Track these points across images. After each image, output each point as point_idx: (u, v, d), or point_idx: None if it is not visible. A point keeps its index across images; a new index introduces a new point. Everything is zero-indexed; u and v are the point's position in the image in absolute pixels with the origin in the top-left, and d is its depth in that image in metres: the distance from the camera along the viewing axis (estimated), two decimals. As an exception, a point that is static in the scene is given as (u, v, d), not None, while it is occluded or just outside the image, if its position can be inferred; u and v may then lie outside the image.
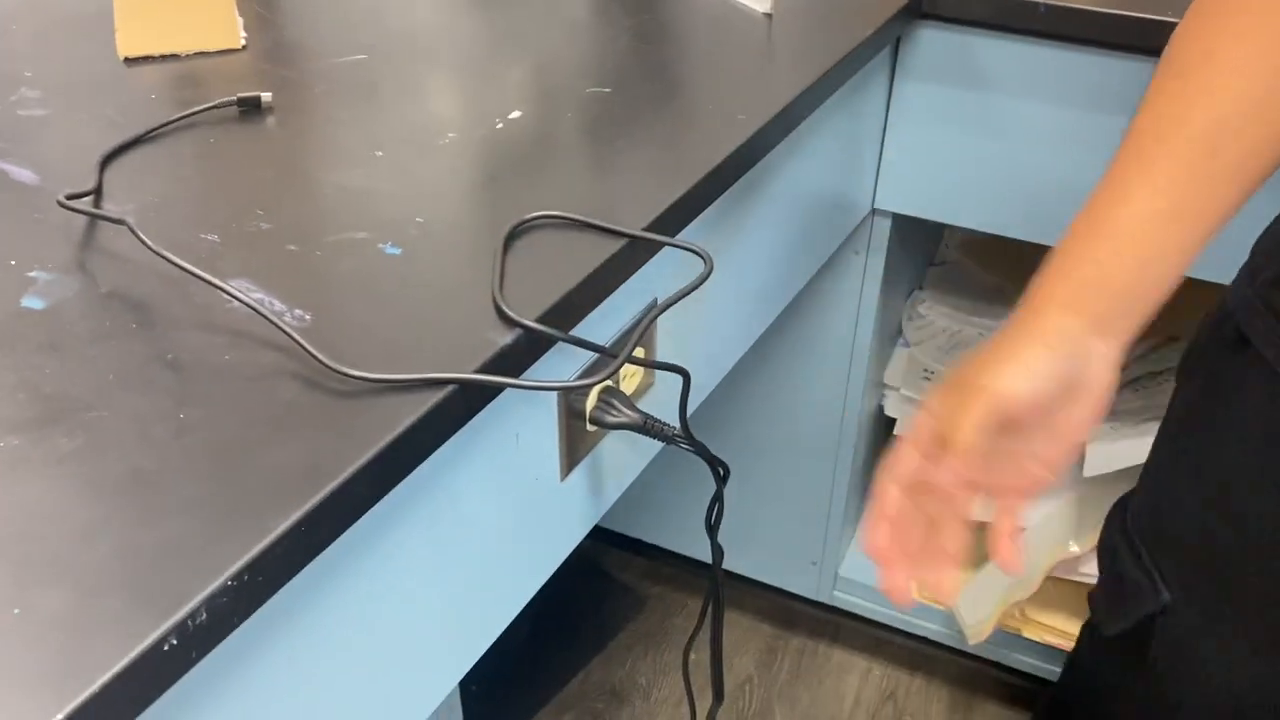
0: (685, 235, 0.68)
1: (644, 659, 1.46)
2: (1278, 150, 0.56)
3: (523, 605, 0.68)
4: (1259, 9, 0.55)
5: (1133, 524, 0.76)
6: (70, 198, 0.60)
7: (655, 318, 0.57)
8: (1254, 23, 0.55)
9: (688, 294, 0.58)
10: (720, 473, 0.67)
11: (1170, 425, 0.75)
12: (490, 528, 0.62)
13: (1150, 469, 0.76)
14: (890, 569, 0.59)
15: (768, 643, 1.49)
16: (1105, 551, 0.79)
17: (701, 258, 0.59)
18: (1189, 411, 0.72)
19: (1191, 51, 0.57)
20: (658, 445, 0.75)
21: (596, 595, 1.55)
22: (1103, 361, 0.56)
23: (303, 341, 0.50)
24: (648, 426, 0.64)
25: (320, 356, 0.49)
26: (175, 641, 0.39)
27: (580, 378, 0.63)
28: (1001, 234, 1.08)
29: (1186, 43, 0.58)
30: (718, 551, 0.74)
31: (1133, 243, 0.56)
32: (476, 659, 0.65)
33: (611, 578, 1.57)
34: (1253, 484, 0.66)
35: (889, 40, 0.96)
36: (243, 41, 0.82)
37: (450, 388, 0.49)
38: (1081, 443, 0.58)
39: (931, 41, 0.99)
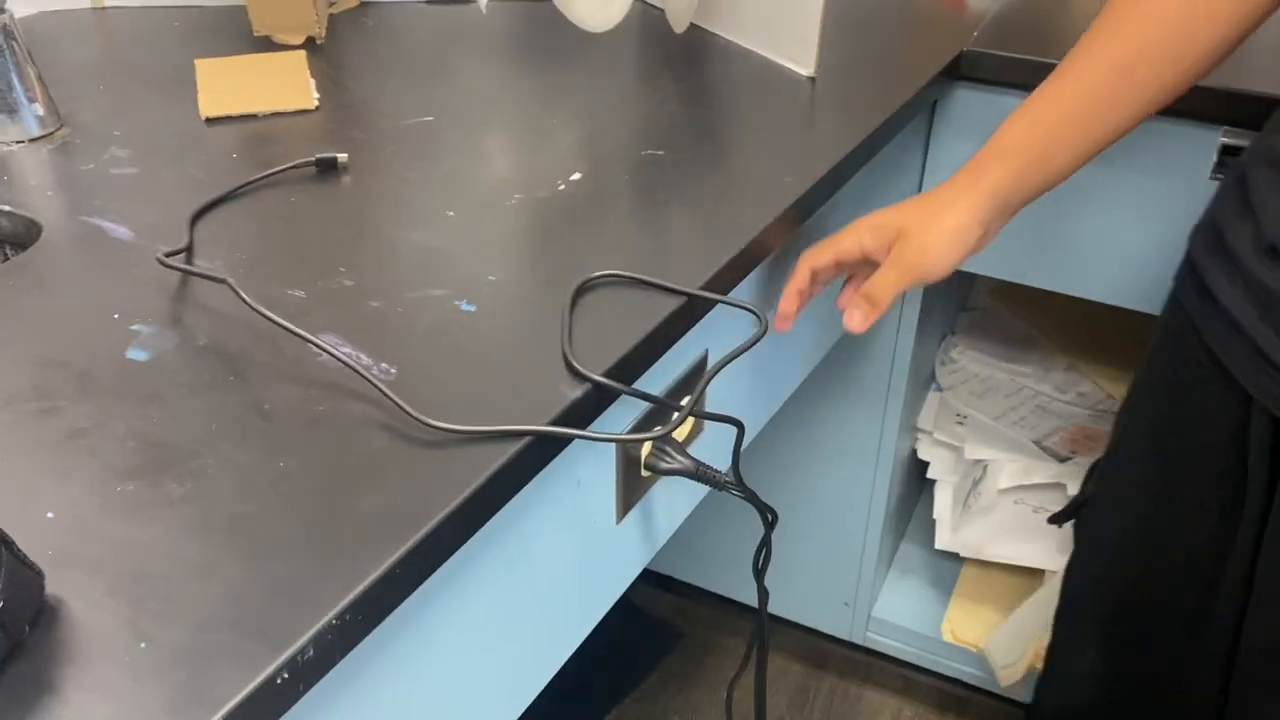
0: (733, 292, 0.71)
1: (677, 696, 1.48)
2: (1180, 84, 0.71)
3: (577, 644, 0.71)
4: None
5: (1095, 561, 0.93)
6: (168, 255, 0.65)
7: (714, 375, 0.60)
8: None
9: (744, 352, 0.61)
10: (769, 518, 0.70)
11: (1125, 416, 0.88)
12: (553, 568, 0.65)
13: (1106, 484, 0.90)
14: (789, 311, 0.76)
15: (800, 682, 1.51)
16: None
17: (757, 316, 0.63)
18: (1143, 399, 0.86)
19: None
20: (705, 489, 0.78)
21: (630, 632, 1.57)
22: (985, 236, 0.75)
23: (391, 395, 0.54)
24: (700, 473, 0.68)
25: (409, 409, 0.53)
26: (287, 676, 0.42)
27: (639, 428, 0.67)
28: (1029, 284, 1.11)
29: None
30: (764, 594, 0.76)
31: (1055, 143, 0.73)
32: (535, 695, 0.68)
33: (645, 614, 1.60)
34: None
35: (927, 103, 1.00)
36: (316, 103, 0.87)
37: (527, 439, 0.53)
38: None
39: (967, 102, 1.03)
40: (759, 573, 0.76)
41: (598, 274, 0.65)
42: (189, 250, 0.68)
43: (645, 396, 0.59)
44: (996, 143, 0.74)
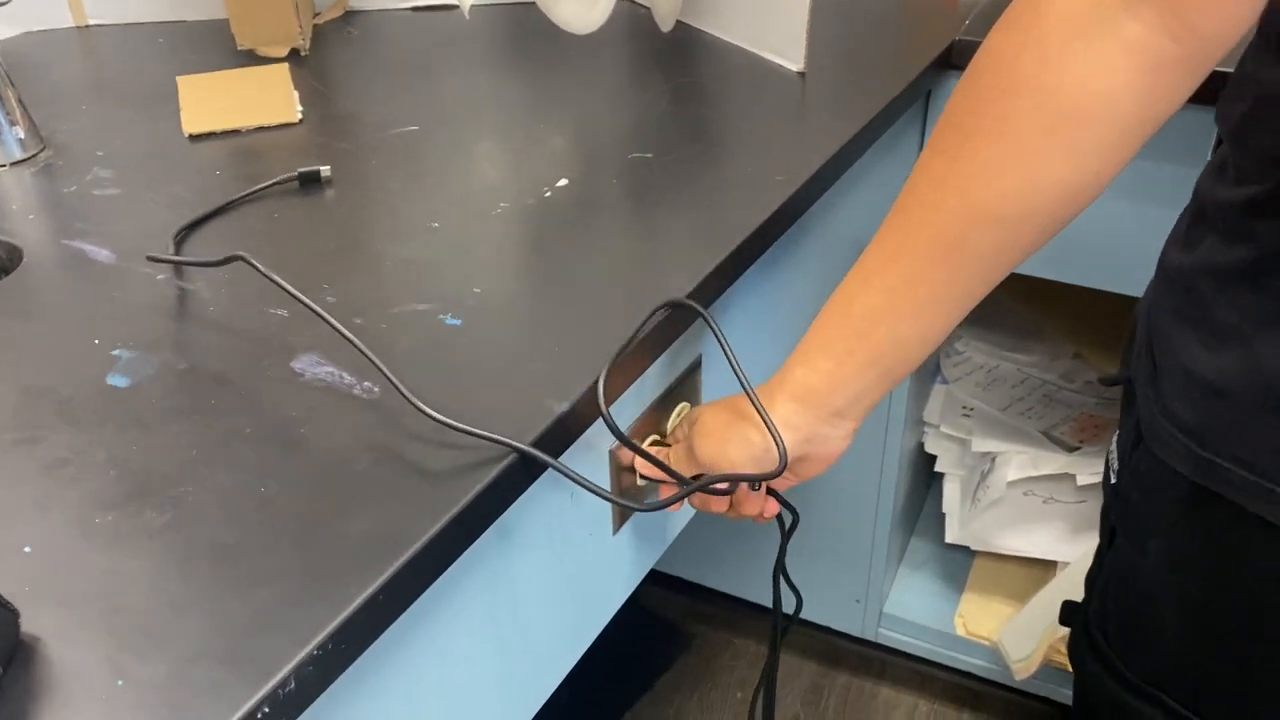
0: (725, 293, 0.70)
1: (690, 699, 1.47)
2: (1029, 245, 0.53)
3: (576, 660, 0.70)
4: (1029, 97, 0.49)
5: (1142, 676, 0.69)
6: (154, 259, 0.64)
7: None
8: (1021, 111, 0.49)
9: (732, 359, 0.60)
10: (786, 524, 0.69)
11: (1155, 571, 0.67)
12: (548, 585, 0.64)
13: (1135, 615, 0.69)
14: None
15: (813, 680, 1.50)
16: (1109, 710, 0.72)
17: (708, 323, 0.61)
18: (1178, 564, 0.65)
19: (960, 125, 0.52)
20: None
21: (640, 634, 1.56)
22: (829, 440, 0.63)
23: (403, 388, 0.52)
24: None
25: (415, 400, 0.52)
26: (268, 710, 0.41)
27: (637, 430, 0.66)
28: (1029, 274, 1.09)
29: (959, 111, 0.52)
30: (797, 597, 0.75)
31: (867, 337, 0.58)
32: (532, 715, 0.67)
33: (654, 616, 1.59)
34: None
35: (920, 94, 0.99)
36: (299, 116, 0.86)
37: (512, 456, 0.52)
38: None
39: (961, 91, 1.01)
40: (778, 575, 0.74)
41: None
42: (175, 267, 0.67)
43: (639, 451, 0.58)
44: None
